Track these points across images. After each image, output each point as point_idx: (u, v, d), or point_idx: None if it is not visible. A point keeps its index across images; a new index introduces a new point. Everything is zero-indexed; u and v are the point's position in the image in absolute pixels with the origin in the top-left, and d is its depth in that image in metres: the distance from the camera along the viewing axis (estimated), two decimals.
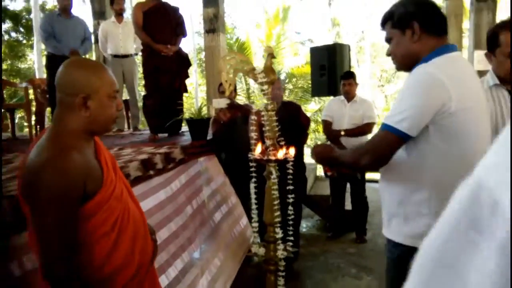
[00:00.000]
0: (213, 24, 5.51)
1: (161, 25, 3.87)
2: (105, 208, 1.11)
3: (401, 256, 1.25)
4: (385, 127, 1.21)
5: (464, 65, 1.28)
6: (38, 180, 0.99)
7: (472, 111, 1.18)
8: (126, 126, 5.37)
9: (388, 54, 1.37)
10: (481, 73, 4.23)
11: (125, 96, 5.22)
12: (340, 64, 4.62)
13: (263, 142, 1.97)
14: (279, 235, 1.96)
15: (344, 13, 19.11)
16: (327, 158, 1.51)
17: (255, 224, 2.12)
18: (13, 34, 15.20)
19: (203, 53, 15.23)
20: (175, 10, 4.05)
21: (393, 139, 1.20)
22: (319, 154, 1.52)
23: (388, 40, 1.35)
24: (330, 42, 17.96)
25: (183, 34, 4.10)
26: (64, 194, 1.00)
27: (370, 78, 15.77)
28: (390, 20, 1.32)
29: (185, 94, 4.27)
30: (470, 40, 4.46)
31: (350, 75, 3.90)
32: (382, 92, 17.89)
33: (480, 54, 4.21)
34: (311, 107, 9.78)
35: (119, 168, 1.30)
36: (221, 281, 2.48)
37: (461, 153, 1.18)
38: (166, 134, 3.91)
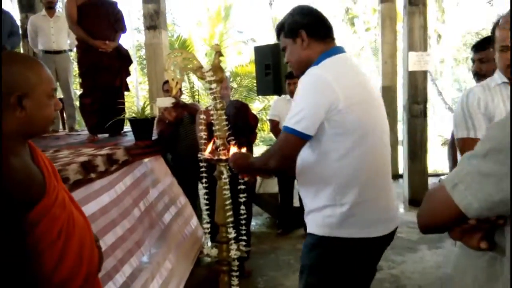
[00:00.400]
0: (154, 21, 5.33)
1: (98, 20, 3.67)
2: (50, 215, 1.03)
3: (314, 244, 1.36)
4: (285, 129, 1.30)
5: (350, 64, 1.41)
6: None
7: (360, 106, 1.30)
8: (60, 126, 5.03)
9: (287, 62, 1.50)
10: (415, 74, 4.53)
11: (59, 94, 4.88)
12: (284, 63, 4.69)
13: (213, 142, 1.93)
14: (232, 235, 1.94)
15: (284, 13, 19.45)
16: (243, 166, 1.57)
17: (207, 225, 2.08)
18: None
19: (143, 50, 14.75)
20: (112, 4, 3.86)
21: (294, 140, 1.30)
22: (236, 162, 1.58)
23: (284, 49, 1.48)
24: (272, 41, 18.23)
25: (123, 30, 3.92)
26: (2, 204, 0.90)
27: None
28: (282, 31, 1.45)
29: (126, 93, 4.09)
30: (404, 42, 4.73)
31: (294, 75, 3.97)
32: None
33: (413, 55, 4.50)
34: (256, 106, 9.86)
35: (58, 174, 1.20)
36: (173, 284, 2.41)
37: (356, 146, 1.29)
38: (106, 135, 3.72)
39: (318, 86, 1.28)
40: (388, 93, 5.97)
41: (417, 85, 4.61)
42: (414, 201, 4.61)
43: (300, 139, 1.29)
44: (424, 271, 3.11)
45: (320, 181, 1.33)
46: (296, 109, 1.29)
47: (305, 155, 1.36)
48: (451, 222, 0.79)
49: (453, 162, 2.36)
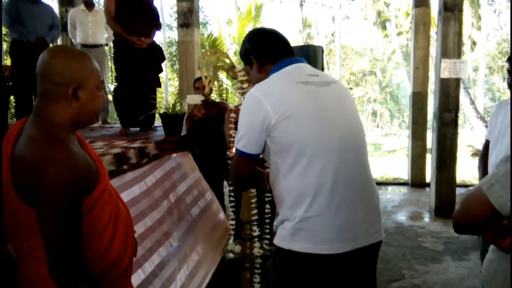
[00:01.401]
0: (188, 19, 5.43)
1: (134, 17, 3.77)
2: (102, 201, 1.09)
3: (275, 253, 1.37)
4: (235, 150, 1.37)
5: (293, 76, 1.37)
6: (44, 176, 0.94)
7: (295, 119, 1.27)
8: None
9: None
10: (447, 81, 4.44)
11: None
12: (313, 65, 4.67)
13: None
14: (256, 233, 1.98)
15: (316, 14, 19.38)
16: None
17: (231, 222, 2.12)
18: None
19: (173, 47, 15.00)
20: (149, 1, 3.96)
21: (237, 158, 1.36)
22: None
23: (248, 73, 1.59)
24: (300, 42, 18.17)
25: (158, 27, 4.02)
26: (73, 189, 0.97)
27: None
28: (242, 59, 1.56)
29: (157, 89, 4.19)
30: (437, 48, 4.64)
31: None
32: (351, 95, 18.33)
33: (446, 62, 4.41)
34: None
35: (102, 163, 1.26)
36: (200, 275, 2.46)
37: (297, 161, 1.26)
38: (137, 129, 3.82)
39: (249, 105, 1.32)
40: (419, 99, 5.86)
41: (449, 92, 4.51)
42: (440, 211, 4.52)
43: (242, 157, 1.34)
44: (447, 283, 3.06)
45: (278, 196, 1.35)
46: (238, 130, 1.35)
47: (271, 172, 1.38)
48: (486, 221, 0.84)
49: (483, 173, 2.31)
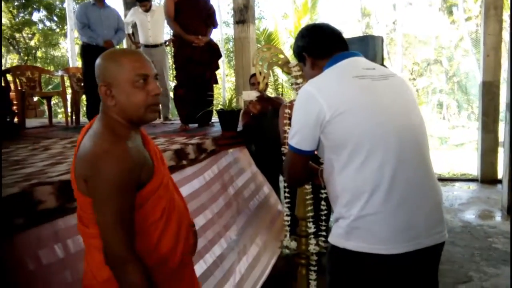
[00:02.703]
0: (243, 15, 5.49)
1: (192, 16, 3.89)
2: (155, 196, 1.13)
3: (330, 252, 1.34)
4: (289, 146, 1.35)
5: (347, 70, 1.32)
6: (98, 169, 1.01)
7: (348, 114, 1.22)
8: None
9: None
10: None
11: None
12: (372, 56, 4.51)
13: None
14: (312, 229, 1.96)
15: (375, 2, 18.62)
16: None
17: (287, 218, 2.12)
18: (47, 23, 15.63)
19: (230, 43, 15.25)
20: (206, 1, 4.06)
21: (292, 156, 1.34)
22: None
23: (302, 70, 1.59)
24: (359, 32, 17.58)
25: (214, 25, 4.12)
26: (124, 182, 1.01)
27: (401, 71, 15.36)
28: (295, 57, 1.56)
29: (214, 85, 4.30)
30: (509, 33, 4.25)
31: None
32: (414, 86, 17.40)
33: None
34: None
35: (165, 160, 1.31)
36: (260, 267, 2.51)
37: (353, 158, 1.22)
38: (196, 125, 3.96)
39: (303, 100, 1.30)
40: (490, 89, 5.43)
41: None
42: None
43: (296, 154, 1.32)
44: None
45: (333, 193, 1.31)
46: (292, 126, 1.34)
47: (325, 169, 1.36)
48: None
49: None
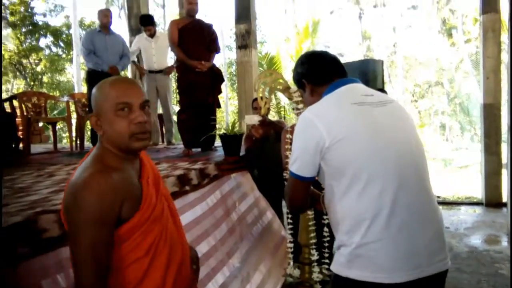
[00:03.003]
0: (245, 40, 5.59)
1: (195, 42, 3.98)
2: (140, 232, 1.06)
3: (332, 281, 1.32)
4: (289, 172, 1.35)
5: (345, 97, 1.34)
6: (75, 200, 0.98)
7: (347, 140, 1.23)
8: (160, 140, 5.49)
9: None
10: None
11: (160, 110, 5.36)
12: (373, 80, 4.57)
13: None
14: (315, 257, 1.95)
15: (375, 26, 18.94)
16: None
17: (290, 245, 2.11)
18: (54, 49, 15.97)
19: (233, 67, 15.49)
20: (209, 26, 4.15)
21: (293, 182, 1.34)
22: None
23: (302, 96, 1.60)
24: (360, 55, 17.82)
25: (217, 50, 4.20)
26: (99, 216, 0.97)
27: (402, 93, 15.44)
28: (295, 83, 1.57)
29: (217, 109, 4.34)
30: (509, 55, 4.31)
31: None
32: (416, 108, 17.44)
33: None
34: None
35: (164, 186, 1.27)
36: None
37: (352, 185, 1.22)
38: (199, 149, 3.98)
39: (302, 127, 1.31)
40: (491, 111, 5.45)
41: None
42: None
43: (297, 180, 1.32)
44: None
45: (334, 220, 1.31)
46: (292, 152, 1.34)
47: (326, 196, 1.36)
48: None
49: None
